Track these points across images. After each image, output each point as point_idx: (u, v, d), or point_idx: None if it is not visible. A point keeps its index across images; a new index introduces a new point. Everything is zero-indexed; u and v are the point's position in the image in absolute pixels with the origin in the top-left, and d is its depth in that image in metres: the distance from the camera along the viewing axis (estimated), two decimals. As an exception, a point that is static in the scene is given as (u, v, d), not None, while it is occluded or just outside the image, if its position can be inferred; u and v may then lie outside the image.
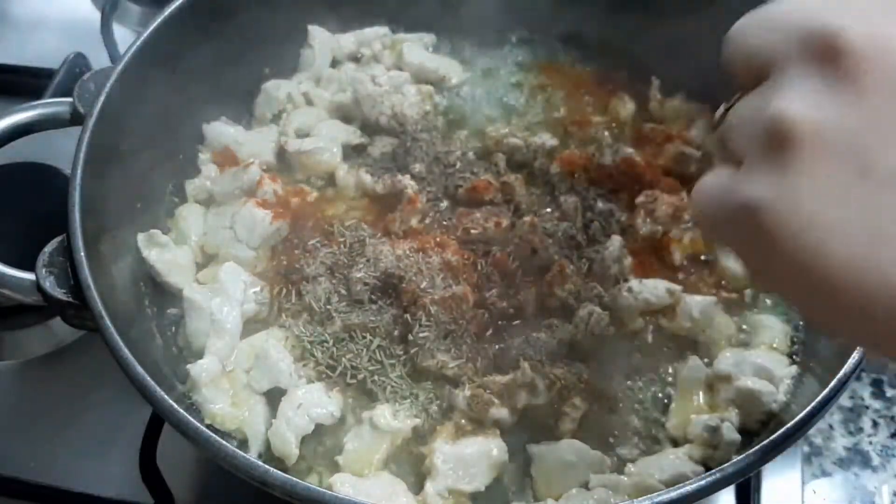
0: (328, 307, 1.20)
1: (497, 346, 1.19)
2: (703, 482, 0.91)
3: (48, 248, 1.08)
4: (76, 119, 1.21)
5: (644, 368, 1.21)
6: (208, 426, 1.06)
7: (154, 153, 1.32)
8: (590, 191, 1.34)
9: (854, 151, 0.56)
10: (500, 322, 1.21)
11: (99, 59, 1.65)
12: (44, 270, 1.07)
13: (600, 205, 1.32)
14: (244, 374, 1.16)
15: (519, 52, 1.59)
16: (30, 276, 1.08)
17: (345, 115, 1.48)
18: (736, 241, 0.67)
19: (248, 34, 1.44)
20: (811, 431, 1.13)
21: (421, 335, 1.16)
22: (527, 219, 1.27)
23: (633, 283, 1.23)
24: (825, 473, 1.28)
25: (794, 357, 1.19)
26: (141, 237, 1.26)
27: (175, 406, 0.95)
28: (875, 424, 1.33)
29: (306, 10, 1.51)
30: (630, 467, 1.09)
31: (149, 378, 0.97)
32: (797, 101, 0.58)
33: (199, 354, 1.18)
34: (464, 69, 1.56)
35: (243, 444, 1.11)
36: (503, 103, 1.53)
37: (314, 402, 1.12)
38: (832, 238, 0.56)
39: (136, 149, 1.27)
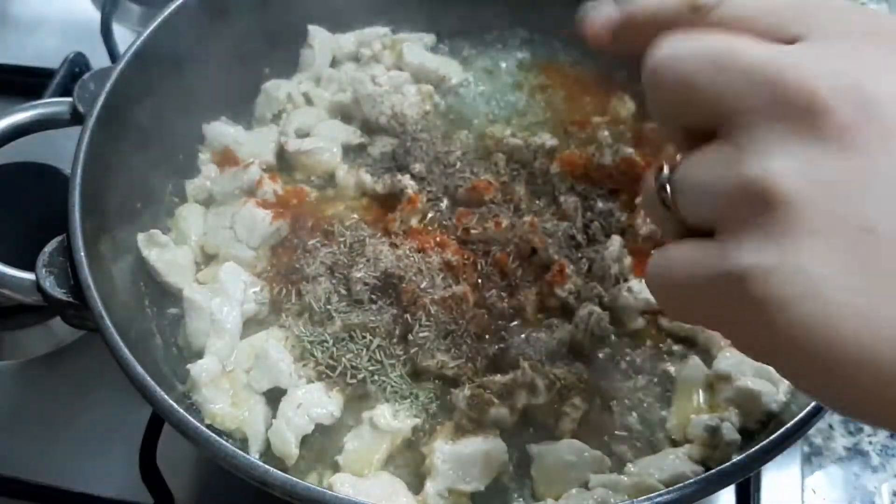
0: (328, 307, 1.20)
1: (497, 346, 1.19)
2: (703, 482, 0.91)
3: (48, 248, 1.08)
4: (76, 119, 1.21)
5: (644, 368, 1.21)
6: (208, 426, 1.06)
7: (154, 153, 1.32)
8: (590, 191, 1.34)
9: (853, 212, 0.51)
10: (500, 322, 1.21)
11: (99, 59, 1.65)
12: (44, 270, 1.07)
13: (600, 205, 1.32)
14: (244, 374, 1.16)
15: (519, 52, 1.59)
16: (30, 276, 1.08)
17: (345, 115, 1.48)
18: (716, 317, 0.60)
19: (248, 34, 1.44)
20: (811, 431, 1.13)
21: (421, 335, 1.16)
22: (527, 219, 1.27)
23: (633, 283, 1.23)
24: (825, 473, 1.28)
25: (794, 357, 1.19)
26: (141, 237, 1.26)
27: (175, 406, 0.95)
28: (875, 424, 1.33)
29: (306, 10, 1.52)
30: (630, 467, 1.09)
31: (149, 378, 0.97)
32: (779, 159, 0.53)
33: (199, 354, 1.18)
34: (464, 69, 1.56)
35: (243, 444, 1.11)
36: (503, 103, 1.52)
37: (314, 402, 1.12)
38: (839, 305, 0.51)
39: (136, 149, 1.27)
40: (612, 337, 1.22)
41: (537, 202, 1.36)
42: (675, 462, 1.07)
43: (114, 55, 1.64)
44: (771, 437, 0.94)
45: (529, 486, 1.10)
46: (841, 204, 0.52)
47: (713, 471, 0.93)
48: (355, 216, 1.34)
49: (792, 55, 0.55)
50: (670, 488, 0.90)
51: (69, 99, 1.22)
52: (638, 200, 1.31)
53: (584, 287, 1.22)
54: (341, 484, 1.04)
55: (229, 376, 1.16)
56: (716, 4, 0.63)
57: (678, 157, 0.65)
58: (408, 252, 1.23)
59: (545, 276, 1.23)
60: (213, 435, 0.94)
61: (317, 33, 1.53)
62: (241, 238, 1.28)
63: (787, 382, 1.14)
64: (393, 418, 1.11)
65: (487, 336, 1.20)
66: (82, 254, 1.05)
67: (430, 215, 1.33)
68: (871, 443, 1.31)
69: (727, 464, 0.93)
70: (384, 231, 1.30)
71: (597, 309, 1.19)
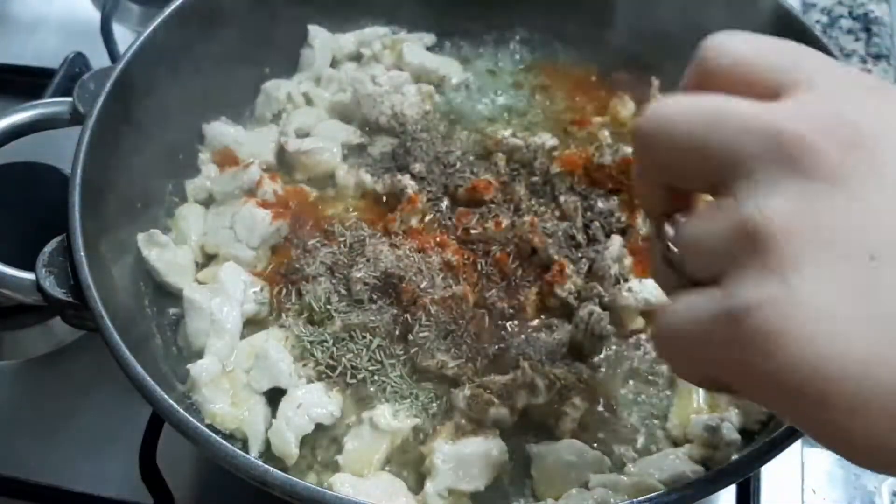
0: (328, 307, 1.20)
1: (497, 346, 1.19)
2: (703, 482, 0.91)
3: (48, 248, 1.08)
4: (76, 119, 1.21)
5: (644, 368, 1.21)
6: (208, 426, 1.06)
7: (154, 153, 1.32)
8: (590, 191, 1.34)
9: (848, 241, 0.53)
10: (500, 322, 1.21)
11: (99, 59, 1.65)
12: (44, 270, 1.07)
13: (600, 205, 1.32)
14: (244, 374, 1.16)
15: (519, 52, 1.59)
16: (30, 275, 1.08)
17: (345, 115, 1.48)
18: (724, 365, 0.59)
19: (248, 34, 1.44)
20: (811, 431, 1.13)
21: (421, 335, 1.16)
22: (527, 219, 1.27)
23: (633, 283, 1.23)
24: (825, 473, 1.28)
25: (794, 357, 1.19)
26: (141, 237, 1.26)
27: (175, 406, 0.95)
28: (875, 424, 1.33)
29: (306, 11, 1.51)
30: (630, 467, 1.09)
31: (149, 378, 0.97)
32: (773, 198, 0.55)
33: (199, 354, 1.18)
34: (464, 69, 1.56)
35: (243, 444, 1.11)
36: (503, 103, 1.53)
37: (314, 401, 1.12)
38: (846, 332, 0.52)
39: (136, 149, 1.27)
40: (613, 337, 1.22)
41: (537, 202, 1.36)
42: (675, 462, 1.07)
43: (114, 55, 1.63)
44: (771, 437, 0.94)
45: (529, 486, 1.10)
46: (836, 234, 0.53)
47: (713, 471, 0.93)
48: (355, 216, 1.35)
49: (781, 106, 0.58)
50: (670, 488, 0.90)
51: (69, 99, 1.22)
52: (638, 200, 1.32)
53: (584, 287, 1.22)
54: (341, 484, 1.04)
55: (229, 376, 1.16)
56: (710, 58, 0.67)
57: (678, 215, 0.66)
58: (408, 252, 1.23)
59: (545, 276, 1.23)
60: (213, 435, 0.94)
61: (317, 33, 1.53)
62: (241, 238, 1.28)
63: (787, 382, 1.14)
64: (393, 418, 1.11)
65: (487, 336, 1.20)
66: (82, 254, 1.05)
67: (430, 215, 1.33)
68: (871, 443, 1.31)
69: (727, 464, 0.93)
70: (384, 231, 1.30)
71: (597, 309, 1.19)
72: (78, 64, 1.64)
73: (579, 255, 1.26)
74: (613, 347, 1.22)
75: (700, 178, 0.61)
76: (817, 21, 1.88)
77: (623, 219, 1.32)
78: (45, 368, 1.39)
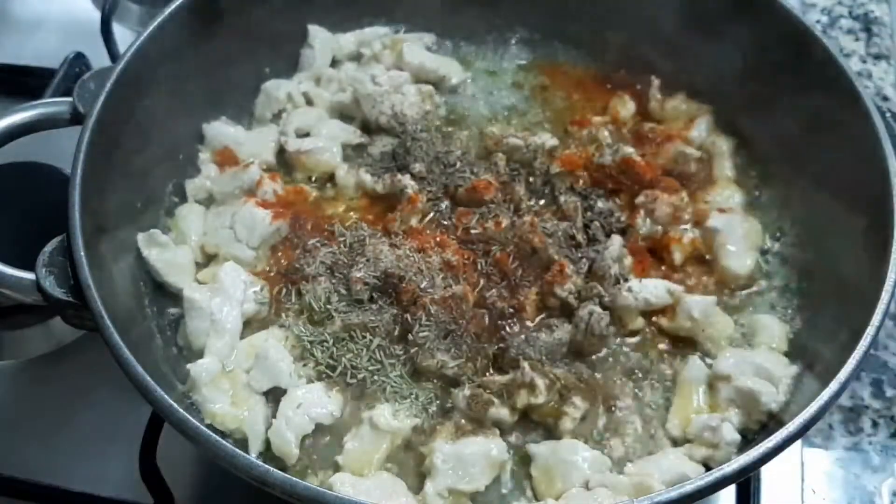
0: (328, 307, 1.20)
1: (497, 346, 1.19)
2: (703, 482, 0.91)
3: (48, 248, 1.08)
4: (76, 119, 1.21)
5: (644, 368, 1.21)
6: (208, 426, 1.06)
7: (154, 153, 1.32)
8: (590, 191, 1.34)
9: None
10: (499, 322, 1.21)
11: (99, 59, 1.65)
12: (44, 270, 1.07)
13: (600, 205, 1.32)
14: (244, 374, 1.16)
15: (519, 52, 1.59)
16: (30, 275, 1.08)
17: (345, 114, 1.48)
18: None
19: (248, 34, 1.44)
20: (811, 431, 1.12)
21: (421, 335, 1.16)
22: (527, 219, 1.27)
23: (633, 283, 1.23)
24: (825, 473, 1.28)
25: (794, 357, 1.19)
26: (141, 237, 1.26)
27: (175, 406, 0.95)
28: (875, 424, 1.33)
29: (306, 10, 1.51)
30: (630, 467, 1.09)
31: (149, 378, 0.97)
32: None
33: (199, 354, 1.18)
34: (464, 69, 1.56)
35: (243, 443, 1.11)
36: (503, 103, 1.53)
37: (314, 401, 1.12)
38: None
39: (136, 149, 1.27)
40: (613, 337, 1.22)
41: (537, 202, 1.36)
42: (676, 462, 1.08)
43: (114, 55, 1.63)
44: (771, 438, 0.94)
45: (529, 485, 1.11)
46: None
47: (713, 471, 0.93)
48: (355, 216, 1.35)
49: None
50: (670, 488, 0.90)
51: (69, 99, 1.22)
52: (638, 200, 1.32)
53: (584, 287, 1.22)
54: (341, 484, 1.04)
55: (229, 376, 1.16)
56: None
57: None
58: (408, 252, 1.23)
59: (545, 275, 1.23)
60: (213, 435, 0.94)
61: (317, 33, 1.53)
62: (241, 238, 1.28)
63: (787, 382, 1.14)
64: (393, 418, 1.11)
65: (487, 336, 1.20)
66: (82, 254, 1.05)
67: (430, 215, 1.33)
68: (870, 443, 1.31)
69: (727, 464, 0.93)
70: (384, 231, 1.30)
71: (597, 309, 1.19)
72: (78, 64, 1.65)
73: (579, 255, 1.26)
74: (614, 347, 1.22)
75: None
76: (817, 21, 1.88)
77: (623, 219, 1.32)
78: (45, 368, 1.39)
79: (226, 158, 1.38)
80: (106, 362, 1.00)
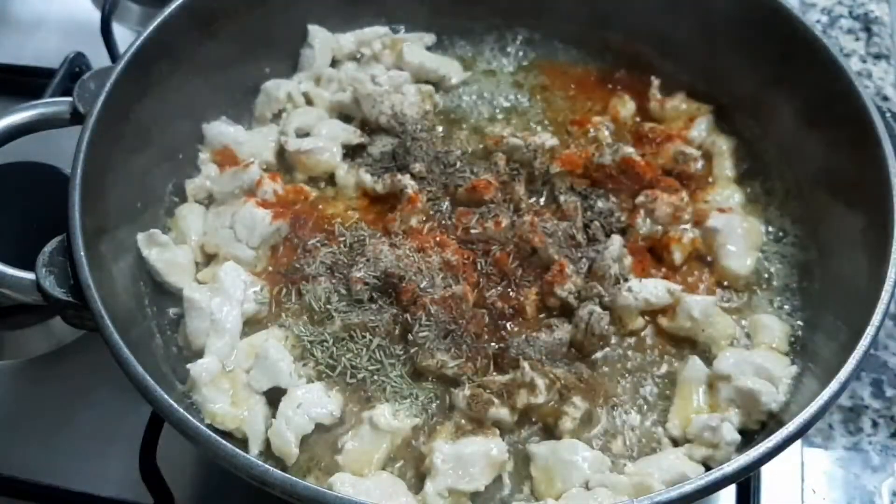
0: (328, 307, 1.20)
1: (497, 346, 1.19)
2: (703, 482, 0.91)
3: (48, 248, 1.08)
4: (76, 119, 1.21)
5: (644, 368, 1.21)
6: (208, 426, 1.06)
7: (154, 153, 1.32)
8: (590, 191, 1.34)
9: None
10: (500, 322, 1.21)
11: (99, 59, 1.65)
12: (44, 270, 1.07)
13: (600, 205, 1.32)
14: (244, 374, 1.16)
15: (519, 52, 1.59)
16: (30, 275, 1.08)
17: (345, 114, 1.48)
18: None
19: (248, 34, 1.44)
20: (811, 431, 1.13)
21: (421, 335, 1.16)
22: (527, 218, 1.27)
23: (633, 282, 1.23)
24: (825, 473, 1.28)
25: (794, 357, 1.19)
26: (141, 237, 1.26)
27: (175, 405, 0.95)
28: (875, 424, 1.33)
29: (306, 11, 1.51)
30: (630, 467, 1.09)
31: (149, 378, 0.97)
32: None
33: (199, 354, 1.18)
34: (464, 69, 1.56)
35: (243, 443, 1.11)
36: (503, 103, 1.53)
37: (314, 401, 1.12)
38: None
39: (136, 149, 1.27)
40: (613, 337, 1.22)
41: (537, 202, 1.36)
42: (676, 462, 1.08)
43: (114, 55, 1.64)
44: (771, 438, 0.94)
45: (529, 485, 1.11)
46: None
47: (713, 471, 0.93)
48: (355, 216, 1.35)
49: None
50: (670, 488, 0.90)
51: (69, 99, 1.22)
52: (638, 200, 1.32)
53: (584, 287, 1.22)
54: (341, 484, 1.04)
55: (229, 376, 1.16)
56: None
57: None
58: (408, 252, 1.23)
59: (545, 275, 1.23)
60: (213, 434, 0.94)
61: (317, 33, 1.53)
62: (241, 238, 1.28)
63: (787, 382, 1.14)
64: (393, 418, 1.11)
65: (487, 336, 1.20)
66: (82, 254, 1.06)
67: (430, 215, 1.33)
68: (870, 443, 1.31)
69: (727, 464, 0.93)
70: (384, 231, 1.31)
71: (597, 309, 1.19)
72: (78, 64, 1.65)
73: (579, 254, 1.26)
74: (614, 347, 1.22)
75: None
76: (817, 21, 1.88)
77: (623, 218, 1.32)
78: (45, 368, 1.39)
79: (226, 158, 1.38)
80: (106, 362, 1.00)
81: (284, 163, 1.42)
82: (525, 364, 1.13)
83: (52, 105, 1.25)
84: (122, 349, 0.99)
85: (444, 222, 1.32)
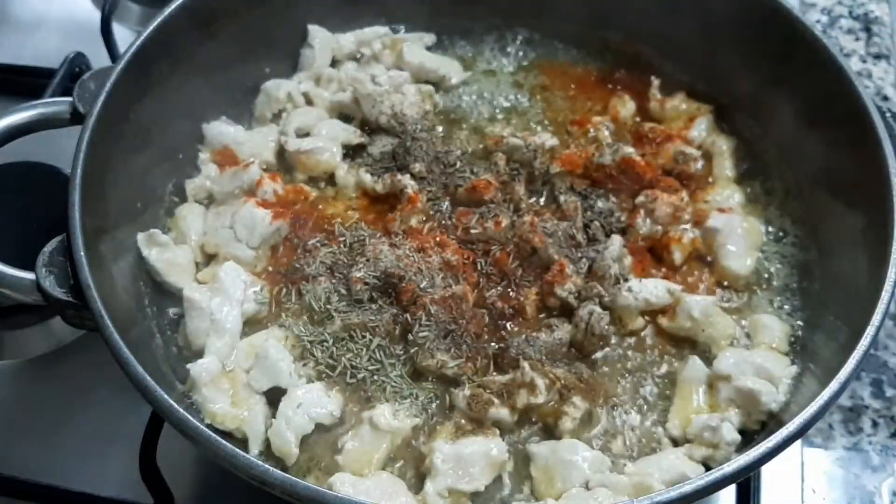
0: (328, 307, 1.20)
1: (497, 346, 1.19)
2: (703, 482, 0.91)
3: (48, 248, 1.08)
4: (76, 119, 1.21)
5: (644, 368, 1.21)
6: (208, 426, 1.06)
7: (154, 153, 1.32)
8: (590, 191, 1.34)
9: None
10: (500, 322, 1.21)
11: (99, 59, 1.65)
12: (44, 270, 1.07)
13: (600, 205, 1.32)
14: (244, 374, 1.16)
15: (519, 52, 1.59)
16: (30, 275, 1.08)
17: (345, 114, 1.48)
18: None
19: (248, 34, 1.44)
20: (811, 431, 1.13)
21: (421, 335, 1.16)
22: (527, 218, 1.27)
23: (633, 282, 1.23)
24: (825, 473, 1.28)
25: (794, 357, 1.19)
26: (141, 237, 1.26)
27: (175, 405, 0.95)
28: (875, 424, 1.33)
29: (306, 10, 1.51)
30: (630, 467, 1.09)
31: (149, 378, 0.97)
32: None
33: (199, 354, 1.18)
34: (464, 69, 1.56)
35: (243, 443, 1.11)
36: (503, 103, 1.53)
37: (314, 401, 1.12)
38: None
39: (136, 149, 1.27)
40: (613, 337, 1.22)
41: (537, 202, 1.36)
42: (676, 462, 1.08)
43: (114, 55, 1.64)
44: (771, 438, 0.94)
45: (529, 485, 1.11)
46: None
47: (713, 471, 0.93)
48: (355, 216, 1.35)
49: None
50: (670, 488, 0.90)
51: (69, 99, 1.22)
52: (638, 200, 1.32)
53: (584, 287, 1.22)
54: (341, 484, 1.04)
55: (229, 376, 1.16)
56: None
57: None
58: (408, 252, 1.23)
59: (545, 275, 1.23)
60: (213, 434, 0.94)
61: (317, 33, 1.53)
62: (241, 238, 1.28)
63: (787, 382, 1.14)
64: (393, 418, 1.11)
65: (487, 336, 1.20)
66: (82, 254, 1.05)
67: (430, 215, 1.33)
68: (870, 443, 1.31)
69: (727, 464, 0.93)
70: (384, 231, 1.30)
71: (597, 308, 1.19)
72: (78, 64, 1.65)
73: (579, 254, 1.26)
74: (614, 347, 1.22)
75: None
76: (817, 21, 1.88)
77: (623, 218, 1.32)
78: (45, 368, 1.39)
79: (226, 158, 1.38)
80: (106, 362, 1.00)
81: (284, 163, 1.42)
82: (525, 364, 1.13)
83: (52, 105, 1.25)
84: (122, 349, 0.99)
85: (444, 222, 1.32)
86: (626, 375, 1.20)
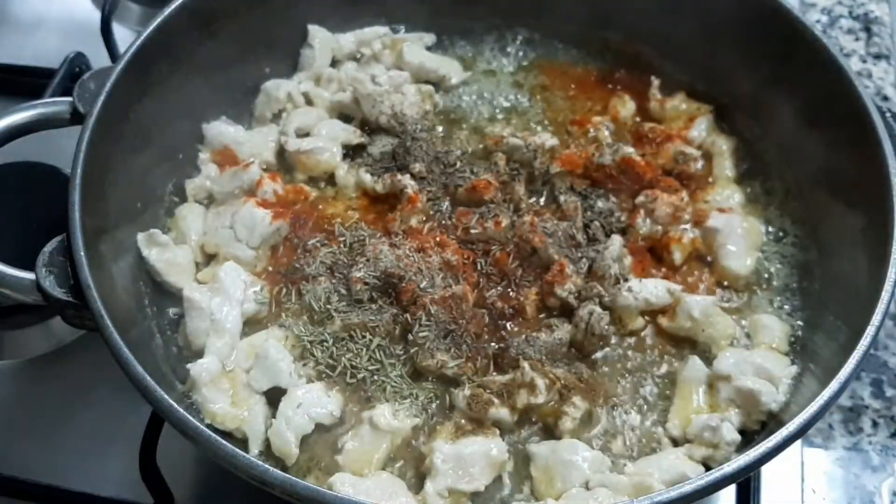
0: (328, 307, 1.20)
1: (497, 346, 1.19)
2: (703, 482, 0.91)
3: (48, 248, 1.08)
4: (76, 119, 1.21)
5: (644, 368, 1.21)
6: (208, 426, 1.06)
7: (154, 153, 1.32)
8: (590, 191, 1.34)
9: None
10: (500, 322, 1.21)
11: (99, 59, 1.65)
12: (44, 270, 1.07)
13: (600, 205, 1.32)
14: (244, 374, 1.16)
15: (519, 52, 1.59)
16: (30, 275, 1.08)
17: (345, 114, 1.48)
18: None
19: (248, 34, 1.44)
20: (811, 431, 1.13)
21: (421, 335, 1.16)
22: (527, 218, 1.27)
23: (633, 282, 1.23)
24: (825, 473, 1.28)
25: (794, 357, 1.19)
26: (141, 237, 1.26)
27: (175, 405, 0.95)
28: (875, 424, 1.33)
29: (306, 11, 1.51)
30: (630, 467, 1.09)
31: (148, 378, 0.97)
32: None
33: (199, 354, 1.18)
34: (464, 69, 1.56)
35: (243, 443, 1.11)
36: (503, 103, 1.53)
37: (314, 401, 1.12)
38: None
39: (136, 149, 1.27)
40: (613, 337, 1.22)
41: (537, 202, 1.36)
42: (676, 462, 1.08)
43: (114, 55, 1.64)
44: (771, 438, 0.94)
45: (529, 485, 1.11)
46: None
47: (713, 471, 0.93)
48: (355, 216, 1.35)
49: None
50: (670, 488, 0.90)
51: (69, 99, 1.22)
52: (638, 200, 1.32)
53: (584, 287, 1.22)
54: (341, 484, 1.04)
55: (229, 376, 1.16)
56: None
57: None
58: (408, 252, 1.23)
59: (545, 275, 1.23)
60: (213, 434, 0.94)
61: (317, 33, 1.53)
62: (241, 238, 1.28)
63: (787, 382, 1.14)
64: (393, 418, 1.11)
65: (487, 336, 1.20)
66: (82, 253, 1.05)
67: (430, 215, 1.33)
68: (870, 443, 1.31)
69: (727, 464, 0.93)
70: (384, 231, 1.30)
71: (597, 308, 1.19)
72: (78, 64, 1.65)
73: (579, 254, 1.26)
74: (614, 347, 1.22)
75: None
76: (817, 21, 1.88)
77: (623, 218, 1.32)
78: (45, 368, 1.39)
79: (226, 158, 1.38)
80: (106, 362, 1.00)
81: (284, 163, 1.42)
82: (525, 364, 1.13)
83: (52, 105, 1.25)
84: (122, 349, 0.99)
85: (444, 222, 1.32)
86: (626, 375, 1.20)
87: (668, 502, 0.89)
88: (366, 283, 1.21)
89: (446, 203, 1.34)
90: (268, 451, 1.10)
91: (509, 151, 1.38)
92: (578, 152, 1.39)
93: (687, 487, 0.90)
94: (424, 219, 1.32)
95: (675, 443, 1.13)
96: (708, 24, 1.42)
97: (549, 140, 1.40)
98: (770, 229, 1.34)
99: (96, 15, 1.73)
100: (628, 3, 1.50)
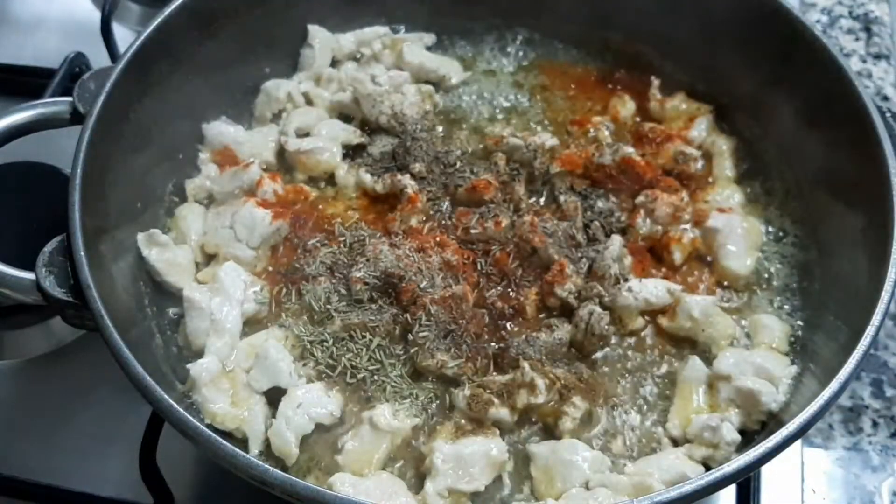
0: (328, 307, 1.20)
1: (497, 346, 1.19)
2: (703, 482, 0.91)
3: (48, 248, 1.08)
4: (76, 119, 1.21)
5: (644, 368, 1.21)
6: (208, 426, 1.06)
7: (154, 153, 1.32)
8: (590, 191, 1.34)
9: None
10: (500, 322, 1.21)
11: (99, 59, 1.65)
12: (44, 270, 1.07)
13: (600, 205, 1.32)
14: (244, 374, 1.16)
15: (519, 52, 1.59)
16: (30, 275, 1.08)
17: (345, 114, 1.48)
18: None
19: (248, 34, 1.44)
20: (811, 431, 1.13)
21: (421, 335, 1.16)
22: (527, 218, 1.27)
23: (633, 282, 1.23)
24: (825, 473, 1.28)
25: (794, 357, 1.19)
26: (141, 237, 1.26)
27: (175, 405, 0.95)
28: (875, 424, 1.33)
29: (306, 10, 1.51)
30: (630, 467, 1.09)
31: (148, 378, 0.97)
32: None
33: (199, 354, 1.18)
34: (464, 69, 1.56)
35: (243, 443, 1.11)
36: (503, 103, 1.53)
37: (314, 401, 1.12)
38: None
39: (136, 149, 1.27)
40: (613, 337, 1.22)
41: (537, 202, 1.36)
42: (676, 462, 1.08)
43: (114, 55, 1.64)
44: (771, 438, 0.94)
45: (529, 485, 1.11)
46: None
47: (713, 471, 0.93)
48: (355, 216, 1.35)
49: None
50: (670, 488, 0.90)
51: (69, 99, 1.22)
52: (638, 200, 1.32)
53: (584, 287, 1.22)
54: (341, 484, 1.04)
55: (229, 376, 1.16)
56: None
57: None
58: (408, 252, 1.23)
59: (545, 275, 1.23)
60: (213, 434, 0.94)
61: (317, 33, 1.53)
62: (241, 238, 1.28)
63: (787, 382, 1.14)
64: (393, 418, 1.11)
65: (487, 336, 1.20)
66: (82, 254, 1.06)
67: (430, 215, 1.33)
68: (870, 443, 1.31)
69: (727, 464, 0.93)
70: (384, 231, 1.31)
71: (597, 308, 1.19)
72: (78, 64, 1.65)
73: (579, 254, 1.26)
74: (614, 347, 1.22)
75: None
76: (817, 21, 1.88)
77: (623, 218, 1.32)
78: (45, 368, 1.39)
79: (226, 158, 1.38)
80: (106, 362, 1.00)
81: (284, 163, 1.42)
82: (525, 364, 1.13)
83: (52, 105, 1.25)
84: (122, 349, 0.99)
85: (444, 222, 1.32)
86: (626, 375, 1.20)
87: (668, 502, 0.89)
88: (366, 283, 1.21)
89: (446, 203, 1.34)
90: (268, 451, 1.10)
91: (509, 151, 1.38)
92: (578, 152, 1.39)
93: (687, 487, 0.90)
94: (424, 219, 1.32)
95: (675, 443, 1.13)
96: (708, 24, 1.42)
97: (549, 140, 1.40)
98: (770, 229, 1.34)
99: (96, 15, 1.73)
100: (628, 3, 1.50)
